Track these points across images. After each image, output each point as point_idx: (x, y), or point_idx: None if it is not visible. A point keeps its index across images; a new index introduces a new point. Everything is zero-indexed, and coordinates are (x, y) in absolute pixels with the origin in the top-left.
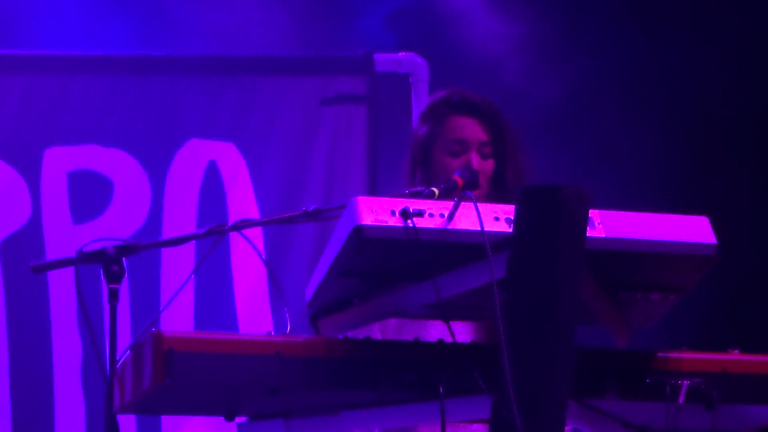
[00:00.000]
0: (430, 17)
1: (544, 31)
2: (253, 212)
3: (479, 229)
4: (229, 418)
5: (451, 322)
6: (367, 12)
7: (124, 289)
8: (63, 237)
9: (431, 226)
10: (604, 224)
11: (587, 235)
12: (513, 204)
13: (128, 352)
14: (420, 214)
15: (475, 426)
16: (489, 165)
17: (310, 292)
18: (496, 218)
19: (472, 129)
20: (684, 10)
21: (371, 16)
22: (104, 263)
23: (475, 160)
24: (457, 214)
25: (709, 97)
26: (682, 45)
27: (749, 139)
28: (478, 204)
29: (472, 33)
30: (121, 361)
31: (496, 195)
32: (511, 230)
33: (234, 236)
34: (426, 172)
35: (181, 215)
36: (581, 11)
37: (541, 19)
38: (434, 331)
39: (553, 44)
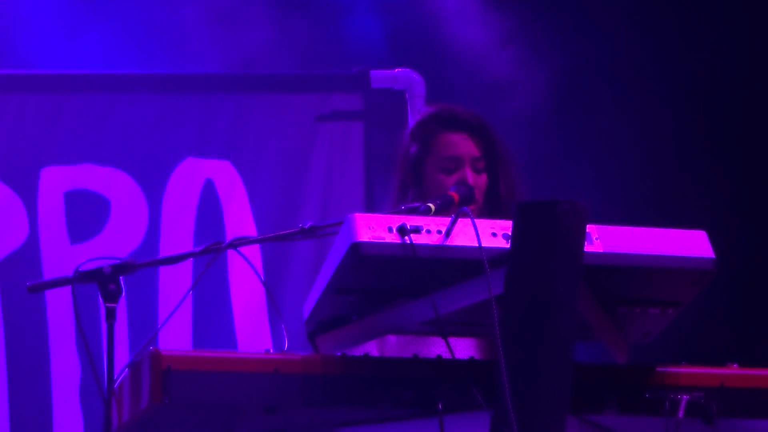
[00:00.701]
0: (426, 33)
1: (542, 45)
2: (250, 230)
3: (477, 245)
4: None
5: (451, 339)
6: (363, 28)
7: (121, 307)
8: (60, 257)
9: (429, 242)
10: (602, 239)
11: (585, 250)
12: (507, 217)
13: (126, 371)
14: (417, 230)
15: None
16: (482, 179)
17: (307, 309)
18: (493, 234)
19: (464, 145)
20: (682, 10)
21: (367, 32)
22: (101, 282)
23: (470, 175)
24: (454, 230)
25: (707, 99)
26: (678, 43)
27: (750, 146)
28: (475, 220)
29: (469, 48)
30: (119, 381)
31: (490, 208)
32: (508, 246)
33: (231, 254)
34: (418, 191)
35: (179, 234)
36: (579, 23)
37: (538, 33)
38: (434, 347)
39: (552, 58)
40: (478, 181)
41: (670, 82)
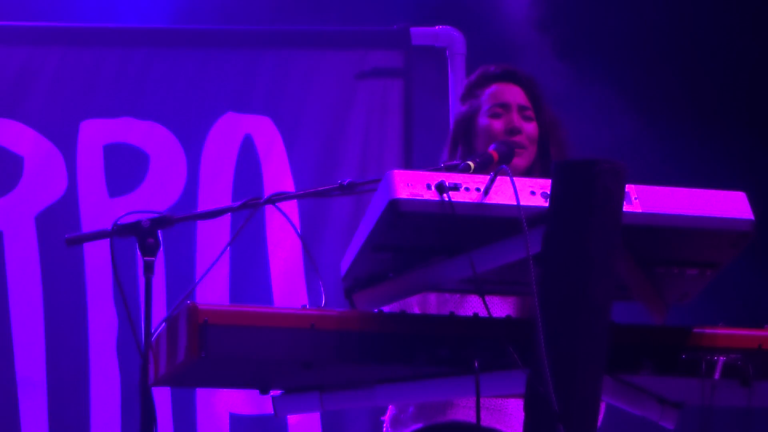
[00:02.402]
0: None
1: (581, 2)
2: (289, 186)
3: (515, 203)
4: (264, 391)
5: (488, 297)
6: None
7: (159, 261)
8: (99, 210)
9: (467, 200)
10: (641, 199)
11: (623, 210)
12: (546, 179)
13: (163, 324)
14: (456, 188)
15: (511, 401)
16: (532, 127)
17: (345, 265)
18: (532, 192)
19: (512, 93)
20: None
21: None
22: (139, 236)
23: (516, 119)
24: (493, 188)
25: (746, 59)
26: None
27: None
28: (514, 178)
29: (510, 5)
30: (156, 334)
31: (542, 166)
32: (547, 205)
33: (269, 209)
34: (467, 148)
35: (217, 189)
36: None
37: None
38: (474, 307)
39: (590, 15)
40: (525, 126)
41: (710, 41)
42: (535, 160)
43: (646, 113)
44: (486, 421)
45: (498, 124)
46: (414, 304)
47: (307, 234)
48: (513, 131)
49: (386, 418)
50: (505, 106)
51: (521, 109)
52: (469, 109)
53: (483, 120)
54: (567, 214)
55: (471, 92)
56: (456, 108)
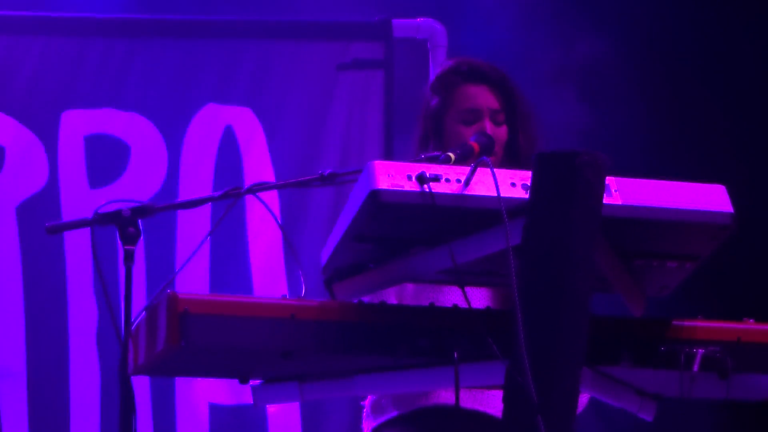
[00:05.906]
0: None
1: None
2: (269, 177)
3: (495, 194)
4: (243, 380)
5: (468, 288)
6: None
7: (139, 251)
8: (80, 201)
9: (447, 191)
10: (621, 191)
11: (603, 202)
12: (526, 169)
13: (143, 313)
14: (436, 179)
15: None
16: (502, 132)
17: (325, 256)
18: (512, 184)
19: (483, 97)
20: None
21: None
22: (120, 225)
23: (489, 127)
24: (473, 179)
25: (726, 48)
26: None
27: None
28: (494, 170)
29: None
30: (135, 323)
31: (509, 163)
32: (527, 196)
33: (250, 200)
34: (438, 143)
35: (198, 180)
36: None
37: None
38: (452, 296)
39: (574, 9)
40: (497, 133)
41: (689, 32)
42: (503, 160)
43: (626, 105)
44: (468, 403)
45: (469, 133)
46: (391, 294)
47: (288, 224)
48: None
49: (366, 403)
50: (475, 112)
51: (493, 114)
52: (438, 106)
53: (454, 125)
54: (547, 206)
55: (442, 86)
56: (426, 98)
